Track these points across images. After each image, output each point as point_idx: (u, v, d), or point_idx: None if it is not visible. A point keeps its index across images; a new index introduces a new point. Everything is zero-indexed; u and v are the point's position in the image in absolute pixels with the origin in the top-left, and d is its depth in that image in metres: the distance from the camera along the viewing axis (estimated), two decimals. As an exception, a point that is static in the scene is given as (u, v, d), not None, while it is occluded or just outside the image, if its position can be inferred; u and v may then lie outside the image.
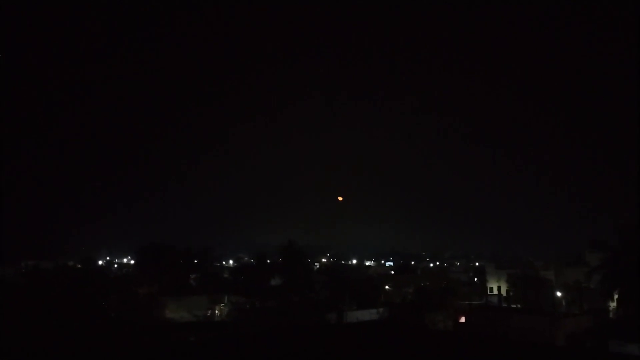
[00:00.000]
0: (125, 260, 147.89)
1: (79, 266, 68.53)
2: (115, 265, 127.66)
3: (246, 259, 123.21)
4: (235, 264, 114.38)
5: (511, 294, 64.46)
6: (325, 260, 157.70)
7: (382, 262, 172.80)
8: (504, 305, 60.21)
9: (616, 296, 46.40)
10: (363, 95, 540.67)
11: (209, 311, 50.47)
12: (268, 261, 63.93)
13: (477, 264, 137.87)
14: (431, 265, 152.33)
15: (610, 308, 50.44)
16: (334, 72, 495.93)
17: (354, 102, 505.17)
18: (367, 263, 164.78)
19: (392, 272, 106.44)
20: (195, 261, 66.56)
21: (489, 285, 78.89)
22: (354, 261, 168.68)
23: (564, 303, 61.42)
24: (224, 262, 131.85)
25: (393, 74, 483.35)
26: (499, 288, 72.15)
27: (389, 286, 74.54)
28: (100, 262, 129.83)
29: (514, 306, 58.50)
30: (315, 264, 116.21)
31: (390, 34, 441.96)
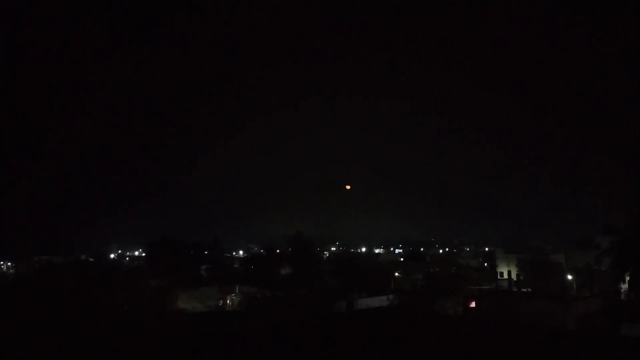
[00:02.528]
0: (136, 253, 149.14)
1: (91, 260, 69.15)
2: (127, 259, 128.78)
3: (256, 249, 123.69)
4: (245, 255, 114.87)
5: (521, 278, 64.24)
6: (334, 249, 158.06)
7: (392, 249, 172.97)
8: (515, 289, 60.10)
9: (627, 278, 46.33)
10: (363, 95, 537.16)
11: (221, 301, 50.84)
12: (277, 251, 64.24)
13: (486, 249, 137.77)
14: (440, 251, 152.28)
15: (622, 290, 50.25)
16: (334, 72, 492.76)
17: (354, 102, 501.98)
18: (377, 251, 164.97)
19: (402, 259, 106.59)
20: (206, 253, 66.95)
21: (499, 270, 78.74)
22: (364, 249, 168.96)
23: (574, 286, 61.21)
24: (234, 253, 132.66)
25: (393, 74, 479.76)
26: (509, 273, 71.91)
27: (398, 273, 74.69)
28: (112, 256, 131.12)
29: (525, 290, 58.38)
30: (325, 252, 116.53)
31: (390, 34, 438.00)
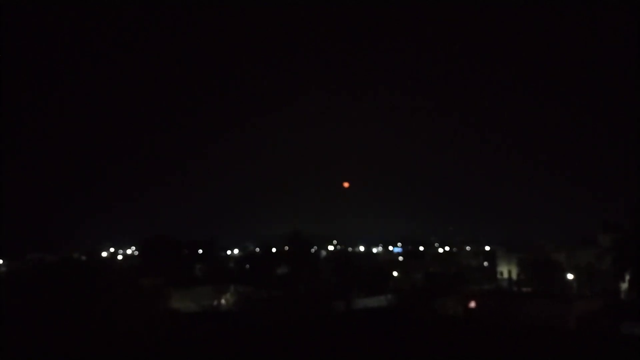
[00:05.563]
0: (129, 251, 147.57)
1: (84, 258, 68.30)
2: (120, 257, 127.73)
3: (252, 248, 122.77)
4: (240, 254, 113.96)
5: (522, 277, 63.91)
6: (332, 247, 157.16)
7: (391, 248, 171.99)
8: (515, 289, 59.76)
9: (628, 277, 46.09)
10: (363, 92, 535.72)
11: (215, 301, 50.04)
12: (274, 250, 63.61)
13: (487, 248, 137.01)
14: (440, 250, 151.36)
15: (622, 289, 50.05)
16: (333, 71, 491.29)
17: (354, 99, 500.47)
18: (375, 249, 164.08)
19: (401, 258, 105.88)
20: (200, 251, 66.25)
21: (500, 269, 78.34)
22: (362, 248, 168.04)
23: (575, 285, 60.82)
24: (229, 252, 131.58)
25: (393, 74, 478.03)
26: (509, 272, 71.55)
27: (397, 272, 73.95)
28: (104, 254, 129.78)
29: (525, 290, 57.97)
30: (323, 251, 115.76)
31: (389, 32, 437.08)
